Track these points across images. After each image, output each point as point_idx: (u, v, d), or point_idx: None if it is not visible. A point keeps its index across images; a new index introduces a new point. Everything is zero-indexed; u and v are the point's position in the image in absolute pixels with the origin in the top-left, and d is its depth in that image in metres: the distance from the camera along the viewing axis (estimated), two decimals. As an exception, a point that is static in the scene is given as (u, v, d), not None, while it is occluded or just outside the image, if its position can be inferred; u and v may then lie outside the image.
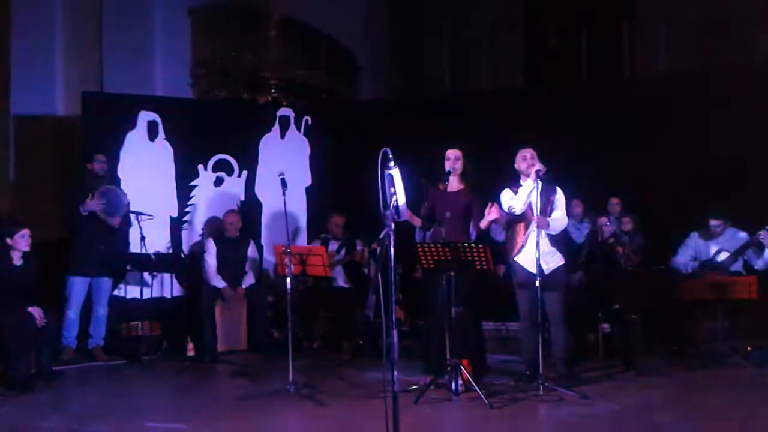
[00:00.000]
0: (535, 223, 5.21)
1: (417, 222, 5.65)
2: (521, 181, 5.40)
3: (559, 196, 5.46)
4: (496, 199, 5.65)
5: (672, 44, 10.46)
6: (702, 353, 6.08)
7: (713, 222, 6.53)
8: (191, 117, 7.76)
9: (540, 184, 5.26)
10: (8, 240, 5.66)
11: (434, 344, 5.44)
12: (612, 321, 6.44)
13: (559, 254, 5.41)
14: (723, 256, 6.46)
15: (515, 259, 5.45)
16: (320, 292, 7.10)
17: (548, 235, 5.36)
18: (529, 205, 5.29)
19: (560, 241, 5.47)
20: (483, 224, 5.47)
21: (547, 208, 5.37)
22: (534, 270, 5.17)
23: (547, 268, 5.31)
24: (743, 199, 6.98)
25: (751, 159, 7.26)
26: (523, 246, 5.39)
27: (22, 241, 5.68)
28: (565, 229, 5.64)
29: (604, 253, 6.44)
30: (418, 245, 5.26)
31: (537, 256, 5.12)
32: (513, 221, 5.49)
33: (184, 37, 8.53)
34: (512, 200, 5.36)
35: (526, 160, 5.39)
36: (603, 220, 6.66)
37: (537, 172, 5.21)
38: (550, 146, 5.46)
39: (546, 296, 5.30)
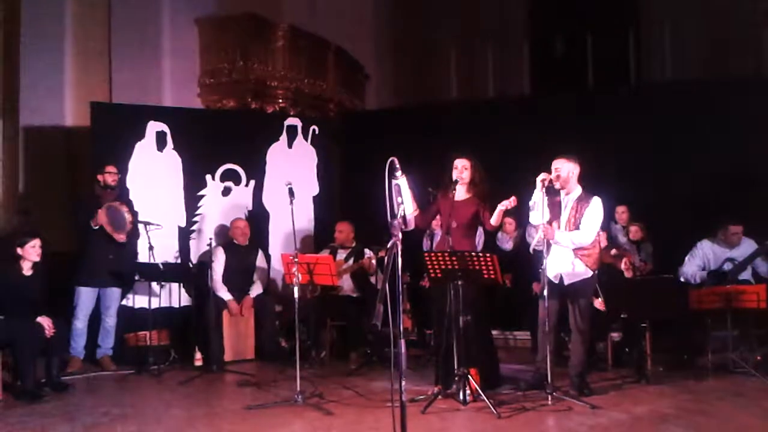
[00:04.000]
0: (544, 230, 5.19)
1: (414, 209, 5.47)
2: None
3: (591, 209, 5.27)
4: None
5: (678, 51, 10.46)
6: (711, 363, 6.05)
7: (733, 228, 6.47)
8: (199, 127, 7.78)
9: (575, 193, 5.27)
10: (19, 250, 5.69)
11: (442, 353, 5.43)
12: (622, 330, 6.42)
13: (582, 265, 5.28)
14: (731, 266, 6.43)
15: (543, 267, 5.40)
16: (328, 301, 7.10)
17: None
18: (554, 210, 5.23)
19: (590, 252, 5.31)
20: (494, 221, 5.39)
21: (575, 219, 5.29)
22: (553, 277, 5.16)
23: (568, 278, 5.28)
24: (751, 206, 6.96)
25: (759, 166, 7.24)
26: (548, 254, 5.32)
27: (32, 252, 5.71)
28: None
29: (607, 266, 6.41)
30: (426, 254, 5.25)
31: (543, 266, 5.10)
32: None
33: (191, 48, 8.59)
34: (531, 213, 5.36)
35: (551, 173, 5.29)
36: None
37: (542, 181, 5.19)
38: (556, 154, 5.44)
39: (569, 307, 5.28)
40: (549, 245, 5.23)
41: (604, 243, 6.49)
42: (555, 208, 5.36)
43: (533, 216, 5.35)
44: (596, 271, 5.41)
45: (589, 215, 5.28)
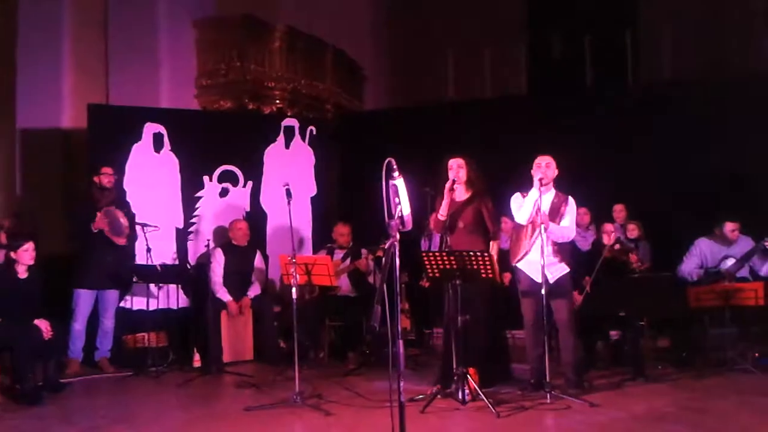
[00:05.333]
0: (540, 219, 5.18)
1: (443, 215, 5.54)
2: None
3: (570, 208, 5.42)
4: (503, 207, 5.65)
5: (675, 50, 10.46)
6: (710, 360, 6.06)
7: (730, 225, 6.49)
8: (196, 128, 7.79)
9: (551, 192, 5.30)
10: (12, 254, 5.67)
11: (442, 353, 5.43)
12: (620, 328, 6.42)
13: (562, 263, 5.37)
14: (729, 263, 6.44)
15: (517, 265, 5.44)
16: (326, 301, 7.10)
17: (553, 243, 5.34)
18: (537, 209, 5.25)
19: (565, 249, 5.45)
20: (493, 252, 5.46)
21: (555, 218, 5.35)
22: (538, 278, 5.16)
23: (552, 276, 5.29)
24: (749, 206, 6.96)
25: (758, 166, 7.25)
26: (527, 252, 5.37)
27: (25, 255, 5.69)
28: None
29: (609, 261, 6.40)
30: (424, 254, 5.25)
31: (542, 263, 5.10)
32: (517, 226, 5.48)
33: (188, 49, 8.58)
34: (517, 211, 5.36)
35: (540, 167, 5.35)
36: (608, 226, 6.64)
37: (540, 180, 5.21)
38: (553, 154, 5.44)
39: (553, 304, 5.29)
40: (529, 242, 5.27)
41: (610, 240, 6.52)
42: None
43: (520, 215, 5.35)
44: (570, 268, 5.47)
45: (570, 213, 5.41)
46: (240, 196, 7.88)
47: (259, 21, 8.75)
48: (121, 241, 6.62)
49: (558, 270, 5.35)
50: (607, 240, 6.52)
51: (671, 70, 10.42)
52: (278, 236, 7.86)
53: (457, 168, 5.57)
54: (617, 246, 6.45)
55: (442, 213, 5.51)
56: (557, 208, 5.38)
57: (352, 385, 5.82)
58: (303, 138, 8.29)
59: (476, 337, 5.33)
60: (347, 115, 9.84)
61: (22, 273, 5.72)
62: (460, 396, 5.03)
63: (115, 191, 6.83)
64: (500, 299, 5.80)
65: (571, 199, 5.45)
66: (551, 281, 5.26)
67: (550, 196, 5.41)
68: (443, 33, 11.90)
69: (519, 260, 5.41)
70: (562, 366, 5.43)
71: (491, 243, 5.58)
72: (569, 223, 5.41)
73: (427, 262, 5.16)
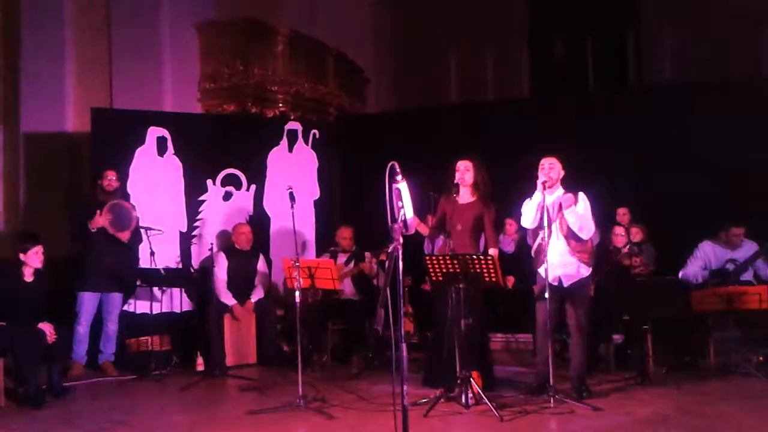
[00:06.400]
0: (564, 199, 5.17)
1: (424, 230, 5.63)
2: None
3: (582, 204, 5.33)
4: (505, 209, 5.65)
5: (678, 51, 10.46)
6: (713, 364, 6.04)
7: (736, 230, 6.48)
8: (200, 132, 7.80)
9: (559, 191, 5.30)
10: (21, 256, 5.68)
11: (443, 357, 5.42)
12: (624, 332, 6.41)
13: (582, 266, 5.32)
14: (732, 266, 6.43)
15: (539, 270, 5.37)
16: (329, 305, 7.10)
17: (570, 244, 5.29)
18: (546, 212, 5.20)
19: (587, 249, 5.36)
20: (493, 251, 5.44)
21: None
22: (554, 280, 5.16)
23: (567, 279, 5.28)
24: (751, 207, 6.95)
25: (760, 167, 7.24)
26: (546, 257, 5.29)
27: (35, 258, 5.69)
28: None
29: (617, 264, 6.40)
30: (427, 257, 5.25)
31: (546, 267, 5.09)
32: (538, 231, 5.37)
33: (192, 53, 8.58)
34: (523, 216, 5.34)
35: (543, 169, 5.31)
36: (619, 229, 6.63)
37: (544, 183, 5.20)
38: (556, 155, 5.44)
39: (567, 308, 5.28)
40: (546, 248, 5.23)
41: (620, 243, 6.51)
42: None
43: (524, 220, 5.35)
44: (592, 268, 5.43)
45: (584, 208, 5.32)
46: (243, 199, 7.88)
47: (261, 24, 8.75)
48: (124, 236, 6.63)
49: (576, 273, 5.30)
50: (617, 242, 6.52)
51: (673, 71, 10.42)
52: (281, 240, 7.86)
53: (463, 170, 5.58)
54: (626, 249, 6.45)
55: (423, 231, 5.57)
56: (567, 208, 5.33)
57: (355, 389, 5.82)
58: (306, 141, 8.30)
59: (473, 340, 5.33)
60: (350, 118, 9.84)
61: (29, 276, 5.73)
62: (463, 400, 5.03)
63: (119, 194, 6.85)
64: (487, 302, 5.77)
65: (581, 195, 5.36)
66: (566, 284, 5.26)
67: (557, 195, 5.38)
68: (445, 35, 11.92)
69: (541, 266, 5.33)
70: (569, 370, 5.42)
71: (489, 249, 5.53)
72: (585, 213, 5.29)
73: (430, 266, 5.16)
